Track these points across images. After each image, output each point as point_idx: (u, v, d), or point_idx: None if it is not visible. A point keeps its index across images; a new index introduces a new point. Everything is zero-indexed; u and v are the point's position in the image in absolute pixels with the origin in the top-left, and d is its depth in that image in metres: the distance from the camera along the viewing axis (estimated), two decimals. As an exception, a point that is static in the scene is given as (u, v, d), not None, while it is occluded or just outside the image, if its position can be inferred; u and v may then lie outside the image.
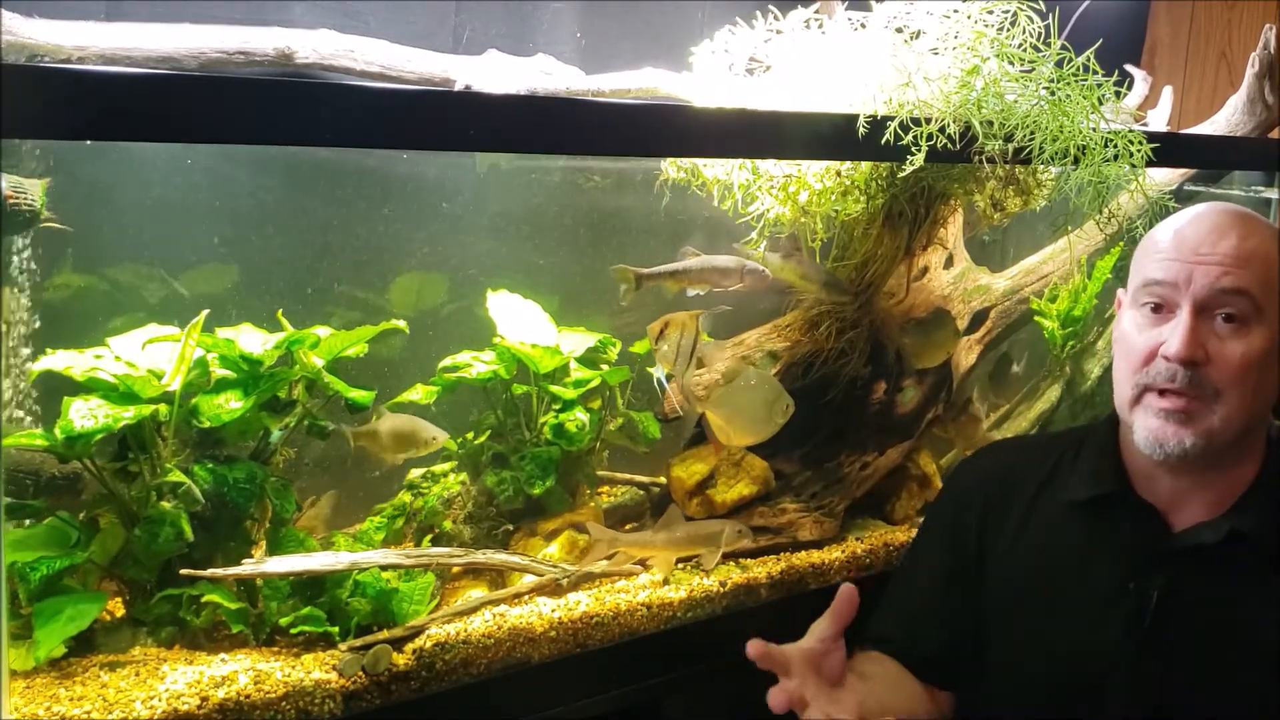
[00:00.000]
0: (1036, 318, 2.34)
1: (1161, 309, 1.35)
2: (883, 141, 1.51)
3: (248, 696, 1.34)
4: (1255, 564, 1.35)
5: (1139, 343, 1.36)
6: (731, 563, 1.81)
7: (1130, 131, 1.67)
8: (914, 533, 1.99)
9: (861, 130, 1.50)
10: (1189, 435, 1.32)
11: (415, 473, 1.88)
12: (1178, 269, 1.33)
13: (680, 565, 1.77)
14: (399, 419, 1.74)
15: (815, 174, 1.73)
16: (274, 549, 1.55)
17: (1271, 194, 2.62)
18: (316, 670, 1.41)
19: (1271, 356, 1.33)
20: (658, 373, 1.67)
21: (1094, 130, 1.62)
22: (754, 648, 1.23)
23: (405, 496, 1.84)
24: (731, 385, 1.76)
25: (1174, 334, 1.31)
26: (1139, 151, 1.66)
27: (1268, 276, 1.32)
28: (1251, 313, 1.31)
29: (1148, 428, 1.34)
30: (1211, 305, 1.32)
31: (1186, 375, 1.31)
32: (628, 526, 1.94)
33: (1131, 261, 1.45)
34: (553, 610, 1.60)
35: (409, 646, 1.48)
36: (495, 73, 1.55)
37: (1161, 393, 1.33)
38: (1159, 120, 2.35)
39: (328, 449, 1.84)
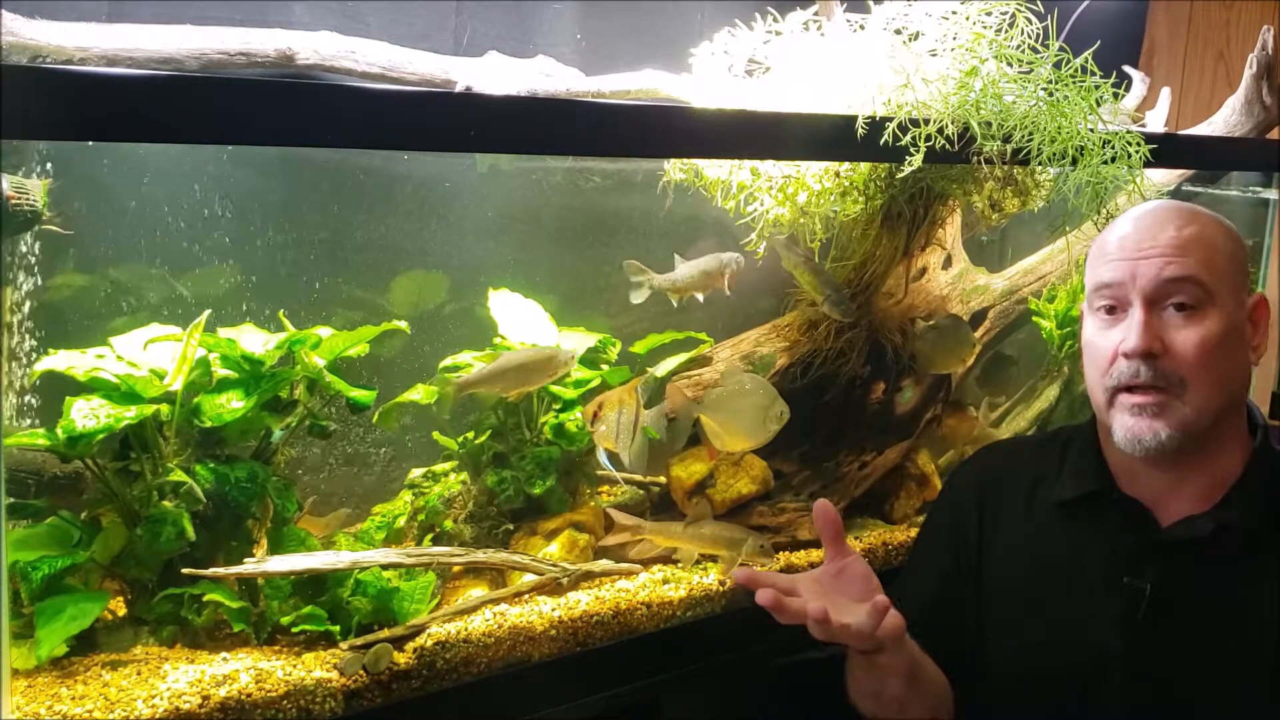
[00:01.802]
0: (1034, 318, 2.35)
1: (1115, 309, 1.37)
2: (881, 142, 1.51)
3: (249, 695, 1.35)
4: (1245, 555, 1.37)
5: (1101, 346, 1.38)
6: (731, 562, 1.82)
7: (1128, 132, 1.67)
8: (913, 532, 2.00)
9: (860, 131, 1.51)
10: (1163, 428, 1.33)
11: (416, 472, 1.88)
12: (1123, 267, 1.35)
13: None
14: (520, 351, 1.68)
15: (814, 175, 1.74)
16: (275, 548, 1.55)
17: (1269, 194, 2.63)
18: (318, 669, 1.41)
19: (1232, 340, 1.35)
20: (601, 455, 1.67)
21: (1092, 131, 1.63)
22: (739, 573, 1.26)
23: (406, 495, 1.84)
24: (727, 389, 1.77)
25: (1129, 330, 1.33)
26: (1137, 152, 1.66)
27: (1212, 261, 1.34)
28: (1203, 298, 1.33)
29: (1124, 426, 1.35)
30: (1160, 296, 1.34)
31: (1149, 369, 1.32)
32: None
33: (1084, 270, 1.46)
34: (553, 609, 1.60)
35: (410, 645, 1.49)
36: (496, 74, 1.55)
37: (1130, 390, 1.35)
38: (1157, 121, 2.36)
39: (328, 449, 1.85)
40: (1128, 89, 2.34)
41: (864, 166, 1.76)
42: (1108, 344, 1.37)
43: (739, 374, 1.80)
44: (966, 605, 1.53)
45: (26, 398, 1.56)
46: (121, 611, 1.52)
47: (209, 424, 1.52)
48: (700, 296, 1.82)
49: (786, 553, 1.87)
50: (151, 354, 1.51)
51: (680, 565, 1.77)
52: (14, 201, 1.35)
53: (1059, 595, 1.45)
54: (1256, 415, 1.44)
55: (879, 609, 1.24)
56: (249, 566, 1.47)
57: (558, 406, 1.83)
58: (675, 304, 1.82)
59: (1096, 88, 1.66)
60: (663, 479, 1.97)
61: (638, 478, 2.05)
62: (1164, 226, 1.36)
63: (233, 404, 1.53)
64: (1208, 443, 1.37)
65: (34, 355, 1.54)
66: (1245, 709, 1.34)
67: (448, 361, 1.79)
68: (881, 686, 1.37)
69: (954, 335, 2.04)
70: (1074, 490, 1.47)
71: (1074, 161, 1.62)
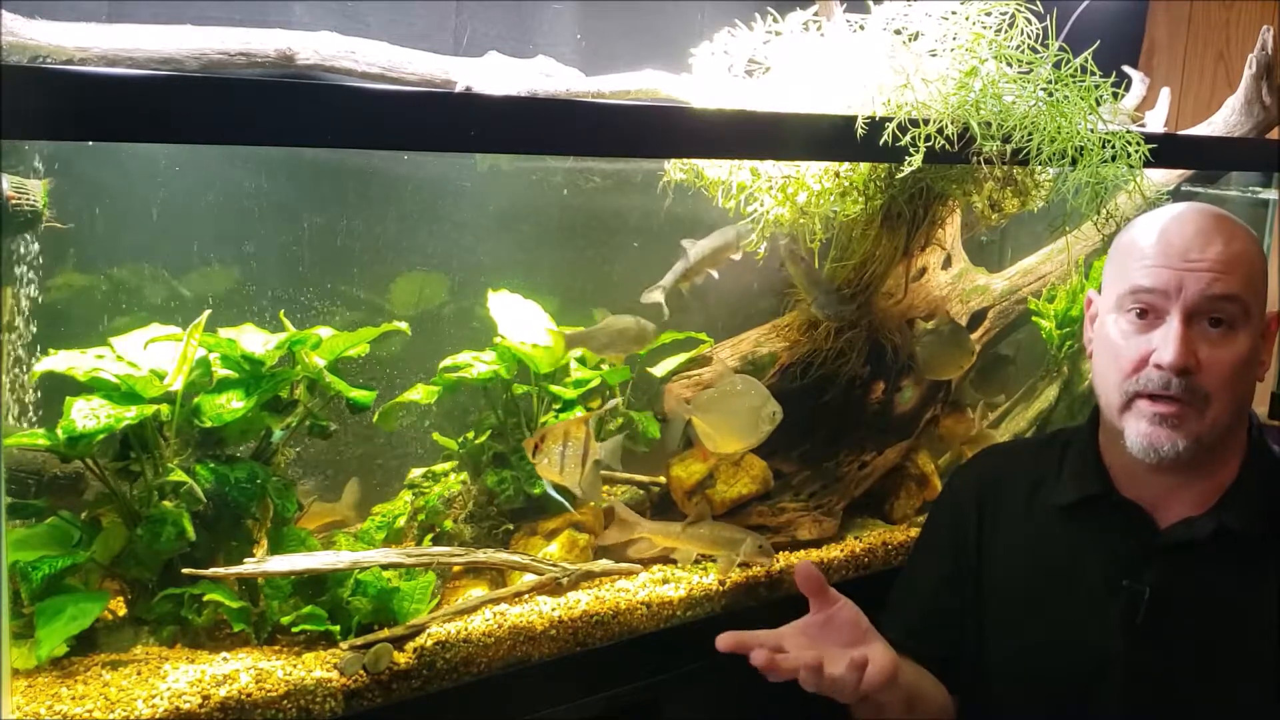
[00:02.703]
0: (1034, 318, 2.35)
1: (1148, 314, 1.35)
2: (881, 142, 1.51)
3: (249, 695, 1.35)
4: (1242, 556, 1.37)
5: (1127, 350, 1.36)
6: (731, 561, 1.82)
7: (1128, 132, 1.67)
8: (913, 532, 2.00)
9: (860, 131, 1.51)
10: (1181, 439, 1.32)
11: (416, 472, 1.88)
12: (1167, 276, 1.33)
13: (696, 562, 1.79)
14: (621, 318, 1.78)
15: (814, 175, 1.74)
16: (275, 548, 1.55)
17: (1269, 195, 2.63)
18: (318, 669, 1.41)
19: (1254, 358, 1.35)
20: (546, 485, 1.67)
21: (1092, 131, 1.63)
22: (724, 640, 1.25)
23: (406, 495, 1.84)
24: (718, 391, 1.77)
25: (1166, 342, 1.31)
26: (1137, 152, 1.66)
27: (1252, 279, 1.34)
28: (1239, 317, 1.32)
29: (1140, 432, 1.34)
30: (1202, 312, 1.32)
31: (1180, 383, 1.31)
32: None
33: (1108, 264, 1.45)
34: (553, 609, 1.60)
35: (410, 645, 1.49)
36: (496, 74, 1.55)
37: (1152, 398, 1.34)
38: (1156, 121, 2.36)
39: (329, 448, 1.85)
40: (1128, 89, 2.34)
41: (864, 166, 1.76)
42: (1134, 349, 1.35)
43: (730, 375, 1.80)
44: (966, 606, 1.53)
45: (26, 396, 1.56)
46: (121, 611, 1.52)
47: (209, 424, 1.52)
48: (714, 273, 1.83)
49: (786, 553, 1.87)
50: (151, 354, 1.51)
51: (679, 565, 1.77)
52: (14, 201, 1.35)
53: (1059, 596, 1.45)
54: (1252, 418, 1.45)
55: (857, 665, 1.23)
56: (249, 566, 1.47)
57: (558, 406, 1.83)
58: (685, 292, 1.83)
59: (1096, 88, 1.66)
60: (662, 479, 1.97)
61: (639, 478, 2.06)
62: (1211, 239, 1.33)
63: (233, 404, 1.53)
64: (1214, 451, 1.37)
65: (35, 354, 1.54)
66: (1245, 709, 1.34)
67: (448, 361, 1.79)
68: (879, 714, 1.38)
69: (953, 342, 2.04)
70: (1074, 493, 1.46)
71: (1074, 161, 1.62)
